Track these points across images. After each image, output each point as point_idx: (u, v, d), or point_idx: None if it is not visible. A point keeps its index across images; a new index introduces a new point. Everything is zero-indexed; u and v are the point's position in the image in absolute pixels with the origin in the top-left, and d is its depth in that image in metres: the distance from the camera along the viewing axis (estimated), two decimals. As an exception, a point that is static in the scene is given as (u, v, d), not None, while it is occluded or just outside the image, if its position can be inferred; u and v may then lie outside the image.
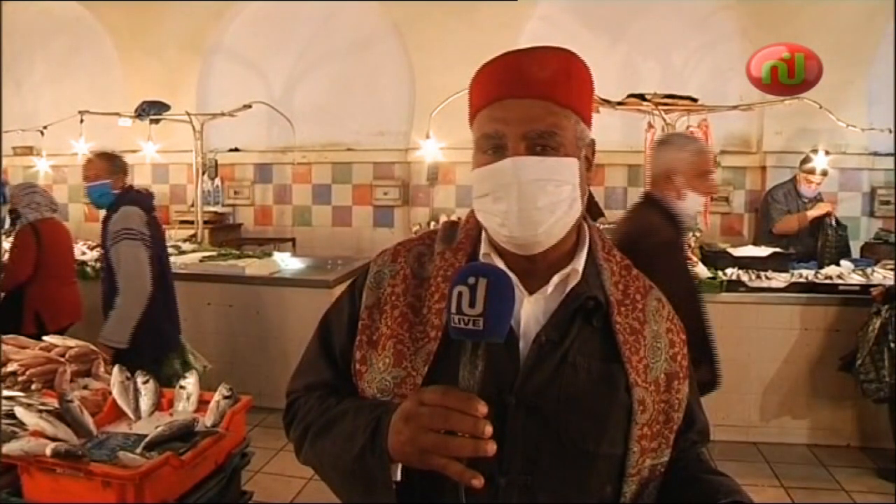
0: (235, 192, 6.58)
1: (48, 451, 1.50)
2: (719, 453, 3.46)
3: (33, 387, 2.01)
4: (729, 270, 4.10)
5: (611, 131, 5.34)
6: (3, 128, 4.45)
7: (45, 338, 2.32)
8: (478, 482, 0.77)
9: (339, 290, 3.64)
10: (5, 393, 1.90)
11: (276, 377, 3.93)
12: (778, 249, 4.36)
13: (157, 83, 6.11)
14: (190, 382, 1.89)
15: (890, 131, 4.60)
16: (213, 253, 4.98)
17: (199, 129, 5.67)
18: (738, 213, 5.75)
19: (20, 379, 2.02)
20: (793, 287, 4.00)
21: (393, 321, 0.98)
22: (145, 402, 1.84)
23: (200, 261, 4.71)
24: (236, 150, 6.53)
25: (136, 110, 5.37)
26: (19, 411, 1.70)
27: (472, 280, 0.80)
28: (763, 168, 5.59)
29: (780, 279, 4.02)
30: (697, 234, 4.58)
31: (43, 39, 6.81)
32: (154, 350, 3.16)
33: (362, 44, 6.20)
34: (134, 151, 5.87)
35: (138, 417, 1.81)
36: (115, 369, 1.89)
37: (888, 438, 3.56)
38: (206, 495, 1.66)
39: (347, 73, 6.25)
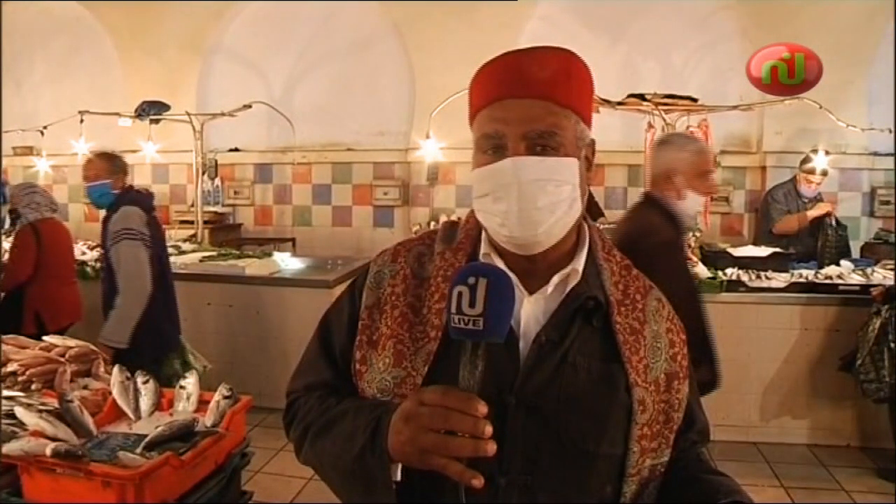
0: (235, 192, 6.58)
1: (48, 451, 1.50)
2: (719, 453, 3.46)
3: (33, 387, 2.01)
4: (729, 270, 4.10)
5: (611, 131, 5.34)
6: (3, 128, 4.45)
7: (45, 338, 2.32)
8: (478, 482, 0.77)
9: (339, 290, 3.64)
10: (5, 393, 1.90)
11: (276, 377, 3.93)
12: (778, 249, 4.36)
13: (157, 83, 6.11)
14: (190, 382, 1.89)
15: (890, 131, 4.61)
16: (213, 253, 4.98)
17: (199, 129, 5.67)
18: (738, 213, 5.75)
19: (20, 379, 2.02)
20: (793, 287, 4.00)
21: (393, 321, 0.98)
22: (145, 402, 1.84)
23: (200, 261, 4.71)
24: (236, 150, 6.53)
25: (136, 110, 5.37)
26: (19, 411, 1.70)
27: (472, 280, 0.80)
28: (763, 168, 5.59)
29: (780, 279, 4.03)
30: (697, 234, 4.58)
31: (43, 39, 6.81)
32: (154, 350, 3.16)
33: (362, 44, 6.20)
34: (134, 151, 5.87)
35: (138, 417, 1.81)
36: (115, 369, 1.89)
37: (888, 438, 3.56)
38: (206, 495, 1.66)
39: (347, 73, 6.25)
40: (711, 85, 5.37)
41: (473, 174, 0.97)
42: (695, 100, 4.61)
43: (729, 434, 3.88)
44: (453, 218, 4.93)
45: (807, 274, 4.12)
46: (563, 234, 0.97)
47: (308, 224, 6.49)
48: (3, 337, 2.23)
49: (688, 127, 4.68)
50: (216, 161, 6.22)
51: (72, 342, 2.26)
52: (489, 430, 0.77)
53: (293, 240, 6.34)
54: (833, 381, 3.84)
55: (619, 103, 4.51)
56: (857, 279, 4.06)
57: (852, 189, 5.50)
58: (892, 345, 3.43)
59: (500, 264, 0.96)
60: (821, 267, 4.31)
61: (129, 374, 1.88)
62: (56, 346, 2.22)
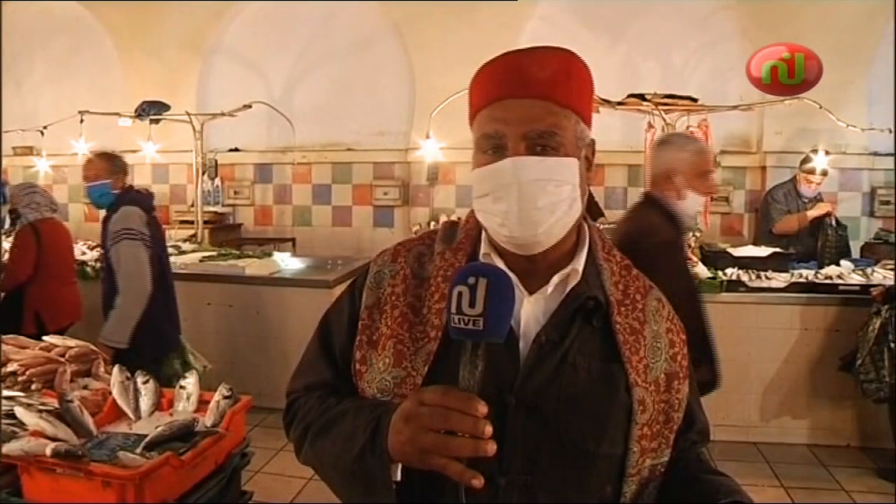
0: (235, 192, 6.58)
1: (48, 451, 1.50)
2: (719, 453, 3.46)
3: (33, 387, 2.01)
4: (729, 270, 4.10)
5: (611, 131, 5.34)
6: (3, 128, 4.45)
7: (45, 338, 2.32)
8: (478, 482, 0.77)
9: (339, 290, 3.64)
10: (5, 393, 1.90)
11: (276, 377, 3.93)
12: (778, 249, 4.36)
13: (157, 83, 6.11)
14: (190, 382, 1.89)
15: (890, 131, 4.61)
16: (213, 253, 4.98)
17: (199, 129, 5.67)
18: (738, 213, 5.75)
19: (20, 379, 2.02)
20: (793, 287, 4.00)
21: (393, 321, 0.98)
22: (145, 402, 1.84)
23: (200, 261, 4.71)
24: (236, 150, 6.53)
25: (136, 110, 5.37)
26: (19, 411, 1.70)
27: (472, 280, 0.80)
28: (763, 168, 5.59)
29: (780, 279, 4.03)
30: (697, 234, 4.58)
31: (43, 39, 6.81)
32: (154, 350, 3.16)
33: (362, 44, 6.20)
34: (134, 151, 5.87)
35: (138, 417, 1.81)
36: (115, 369, 1.89)
37: (888, 438, 3.56)
38: (206, 495, 1.66)
39: (347, 73, 6.25)
40: (711, 85, 5.37)
41: (473, 174, 0.97)
42: (695, 100, 4.61)
43: (729, 434, 3.88)
44: (453, 218, 4.93)
45: (807, 274, 4.12)
46: (563, 234, 0.97)
47: (308, 224, 6.49)
48: (3, 337, 2.23)
49: (688, 127, 4.68)
50: (216, 161, 6.22)
51: (72, 342, 2.26)
52: (489, 430, 0.77)
53: (293, 240, 6.34)
54: (833, 381, 3.84)
55: (619, 103, 4.51)
56: (857, 279, 4.06)
57: (852, 189, 5.50)
58: (892, 345, 3.43)
59: (500, 264, 0.96)
60: (821, 267, 4.31)
61: (129, 374, 1.88)
62: (56, 346, 2.22)
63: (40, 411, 1.70)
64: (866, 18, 5.18)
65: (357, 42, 6.21)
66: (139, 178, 6.52)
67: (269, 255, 5.04)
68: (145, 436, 1.64)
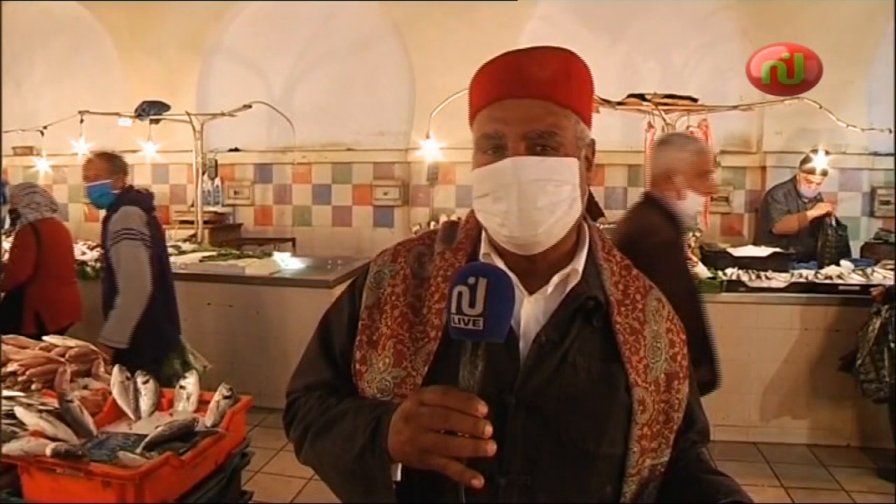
0: (235, 192, 6.58)
1: (48, 451, 1.49)
2: (719, 453, 3.46)
3: (33, 387, 2.01)
4: (729, 270, 4.10)
5: (611, 131, 5.34)
6: (3, 128, 4.45)
7: (45, 338, 2.32)
8: (478, 482, 0.77)
9: (339, 290, 3.64)
10: (5, 393, 1.90)
11: (277, 377, 3.93)
12: (778, 249, 4.36)
13: (157, 83, 6.11)
14: (190, 382, 1.89)
15: (890, 131, 4.61)
16: (213, 253, 4.98)
17: (199, 129, 5.67)
18: (738, 213, 5.75)
19: (20, 379, 2.02)
20: (793, 287, 4.00)
21: (393, 321, 0.98)
22: (145, 402, 1.84)
23: (200, 261, 4.71)
24: (236, 150, 6.53)
25: (135, 110, 5.37)
26: (19, 411, 1.70)
27: (472, 280, 0.80)
28: (763, 168, 5.59)
29: (780, 279, 4.03)
30: (697, 234, 4.58)
31: (43, 39, 6.81)
32: (154, 350, 3.16)
33: (362, 44, 6.20)
34: (134, 151, 5.87)
35: (138, 417, 1.81)
36: (115, 369, 1.89)
37: (888, 438, 3.56)
38: (206, 495, 1.66)
39: (347, 73, 6.25)
40: (711, 85, 5.37)
41: (473, 174, 0.97)
42: (695, 100, 4.61)
43: (729, 434, 3.88)
44: (453, 218, 4.93)
45: (807, 274, 4.12)
46: (563, 234, 0.97)
47: (308, 224, 6.49)
48: (3, 337, 2.23)
49: (688, 127, 4.68)
50: (216, 161, 6.22)
51: (72, 342, 2.26)
52: (489, 430, 0.77)
53: (293, 240, 6.34)
54: (833, 381, 3.84)
55: (619, 103, 4.52)
56: (857, 279, 4.06)
57: (852, 189, 5.50)
58: (892, 345, 3.43)
59: (500, 264, 0.96)
60: (821, 267, 4.31)
61: (129, 374, 1.88)
62: (56, 346, 2.22)
63: (40, 411, 1.70)
64: (866, 18, 5.19)
65: (357, 42, 6.21)
66: (139, 178, 6.52)
67: (269, 255, 5.04)
68: (145, 436, 1.64)
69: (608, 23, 5.71)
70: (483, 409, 0.77)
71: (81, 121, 5.31)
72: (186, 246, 5.32)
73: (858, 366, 3.54)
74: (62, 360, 2.12)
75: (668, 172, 2.44)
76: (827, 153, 4.72)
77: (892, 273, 4.01)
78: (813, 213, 4.64)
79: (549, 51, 0.95)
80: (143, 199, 3.33)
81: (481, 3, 5.55)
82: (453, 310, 0.80)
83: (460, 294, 0.80)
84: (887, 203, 5.42)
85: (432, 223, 5.72)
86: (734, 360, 3.53)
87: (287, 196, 6.54)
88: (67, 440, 1.58)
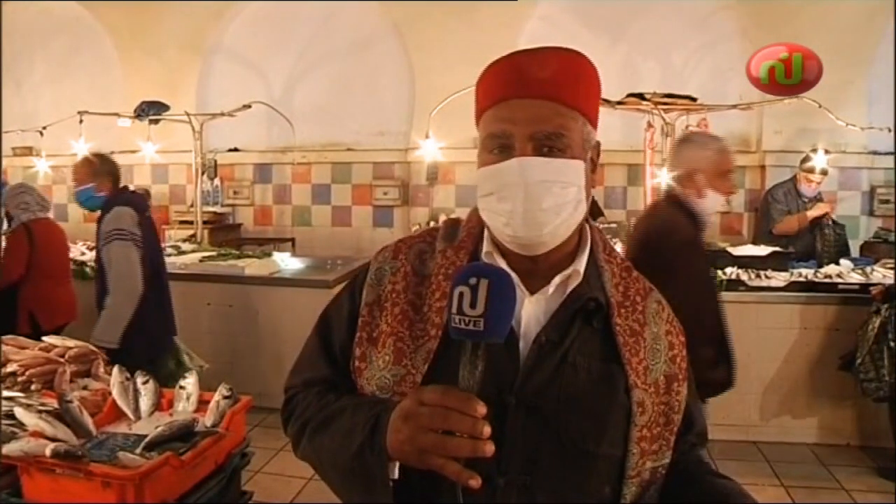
0: (235, 193, 6.58)
1: (48, 452, 1.49)
2: (719, 453, 3.46)
3: (33, 387, 2.01)
4: (728, 270, 4.10)
5: (610, 131, 5.33)
6: (2, 128, 4.45)
7: (44, 338, 2.32)
8: (475, 482, 0.77)
9: (338, 290, 3.64)
10: (5, 393, 1.90)
11: (276, 377, 3.88)
12: (777, 249, 4.36)
13: (157, 83, 6.11)
14: (190, 383, 1.89)
15: (889, 130, 4.61)
16: (213, 253, 4.98)
17: (198, 130, 5.66)
18: (738, 212, 5.75)
19: (20, 379, 2.02)
20: (792, 286, 4.00)
21: (393, 318, 0.98)
22: (145, 403, 1.84)
23: (200, 261, 4.71)
24: (236, 150, 6.53)
25: (135, 110, 5.37)
26: (19, 412, 1.70)
27: (473, 280, 0.80)
28: (762, 167, 5.59)
29: (779, 278, 4.02)
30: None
31: (43, 39, 6.81)
32: (147, 350, 3.14)
33: (362, 44, 6.20)
34: (133, 152, 5.87)
35: (138, 418, 1.81)
36: (115, 370, 1.89)
37: (888, 437, 3.56)
38: (206, 495, 1.66)
39: (347, 73, 6.25)
40: (711, 85, 5.37)
41: (479, 173, 0.96)
42: (694, 99, 4.61)
43: (729, 433, 3.87)
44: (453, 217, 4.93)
45: (806, 273, 4.12)
46: (568, 235, 0.96)
47: (308, 224, 6.49)
48: (3, 338, 2.23)
49: (687, 126, 4.68)
50: (216, 161, 6.22)
51: (71, 342, 2.26)
52: (488, 430, 0.77)
53: (293, 240, 6.34)
54: (833, 380, 3.84)
55: (619, 103, 4.51)
56: (856, 278, 4.06)
57: (852, 188, 5.51)
58: (892, 344, 3.43)
59: (502, 263, 0.96)
60: (820, 266, 4.31)
61: (128, 375, 1.88)
62: (55, 346, 2.22)
63: (40, 412, 1.70)
64: (866, 18, 5.19)
65: (357, 42, 6.21)
66: (139, 179, 6.54)
67: (269, 255, 5.04)
68: (145, 436, 1.64)
69: (608, 23, 5.71)
70: (482, 409, 0.77)
71: (81, 121, 5.30)
72: (186, 246, 5.32)
73: (858, 365, 3.54)
74: (62, 360, 2.12)
75: (689, 171, 2.43)
76: (827, 152, 4.71)
77: (892, 272, 4.01)
78: (813, 213, 4.64)
79: (557, 51, 0.94)
80: (136, 199, 3.33)
81: (481, 3, 5.55)
82: (454, 310, 0.80)
83: (461, 294, 0.80)
84: (887, 202, 5.43)
85: (432, 223, 5.71)
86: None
87: (287, 196, 6.54)
88: (67, 440, 1.58)
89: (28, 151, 6.48)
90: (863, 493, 3.40)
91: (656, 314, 1.02)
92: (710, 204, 2.45)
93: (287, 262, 4.87)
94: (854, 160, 5.38)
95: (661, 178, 4.56)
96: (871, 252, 4.79)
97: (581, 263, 0.99)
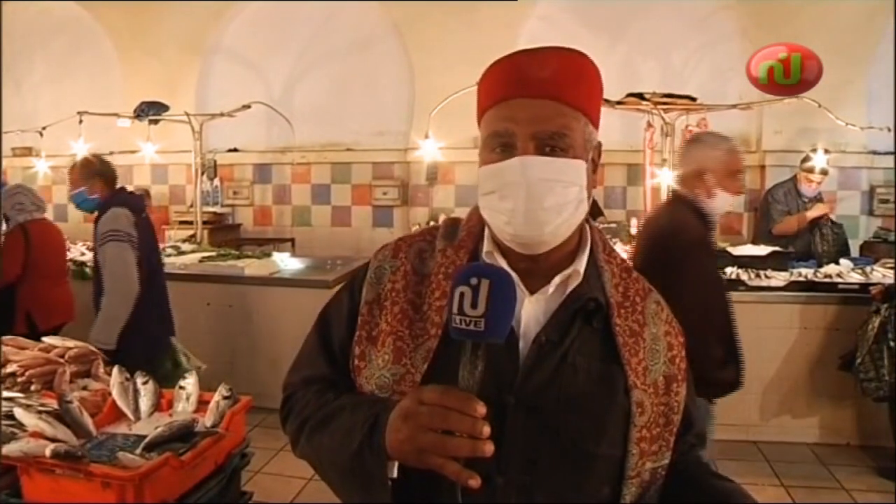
0: (235, 193, 6.58)
1: (48, 452, 1.49)
2: (719, 452, 3.45)
3: (33, 388, 2.01)
4: (728, 269, 4.10)
5: (610, 131, 5.29)
6: (2, 128, 4.45)
7: (44, 339, 2.31)
8: (475, 482, 0.77)
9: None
10: (5, 394, 1.90)
11: (276, 377, 3.88)
12: (777, 248, 4.36)
13: (157, 83, 6.11)
14: (189, 383, 1.89)
15: (889, 130, 4.61)
16: (213, 253, 4.98)
17: (198, 130, 5.66)
18: (738, 212, 5.75)
19: (20, 380, 2.01)
20: (792, 286, 4.00)
21: (393, 317, 0.98)
22: (145, 403, 1.83)
23: (200, 261, 4.71)
24: (235, 150, 6.53)
25: (134, 111, 5.37)
26: (19, 412, 1.70)
27: (474, 281, 0.80)
28: (762, 167, 5.60)
29: (779, 278, 4.02)
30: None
31: (43, 39, 6.81)
32: (144, 351, 3.14)
33: (362, 44, 6.20)
34: (133, 152, 5.88)
35: (138, 418, 1.81)
36: (115, 370, 1.89)
37: (888, 437, 3.56)
38: (206, 496, 1.66)
39: (347, 73, 6.25)
40: (711, 85, 5.37)
41: (481, 171, 0.96)
42: (693, 99, 4.61)
43: (729, 433, 3.86)
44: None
45: (806, 273, 4.12)
46: (569, 234, 0.96)
47: (307, 224, 6.50)
48: (3, 338, 2.23)
49: (686, 126, 4.68)
50: (215, 161, 6.23)
51: (71, 343, 2.26)
52: (487, 430, 0.77)
53: (292, 240, 6.34)
54: (833, 379, 3.84)
55: (619, 103, 4.52)
56: (856, 278, 4.06)
57: (851, 188, 5.51)
58: (892, 343, 3.43)
59: (503, 263, 0.96)
60: (819, 266, 4.31)
61: (128, 375, 1.88)
62: (55, 346, 2.21)
63: (40, 412, 1.69)
64: (866, 18, 5.19)
65: (357, 42, 6.21)
66: (139, 179, 6.54)
67: (269, 255, 5.04)
68: (145, 436, 1.64)
69: (608, 23, 5.71)
70: (482, 409, 0.77)
71: (80, 121, 5.31)
72: (186, 246, 5.32)
73: (858, 364, 3.54)
74: (61, 360, 2.12)
75: (699, 170, 2.42)
76: (826, 152, 4.71)
77: (892, 271, 4.02)
78: (812, 213, 4.65)
79: (560, 51, 0.95)
80: (133, 200, 3.34)
81: (481, 3, 5.56)
82: (455, 310, 0.80)
83: (462, 294, 0.80)
84: (886, 201, 5.43)
85: (431, 223, 5.71)
86: (734, 359, 3.53)
87: (286, 196, 6.54)
88: (67, 441, 1.58)
89: (28, 152, 6.48)
90: (863, 493, 3.40)
91: (655, 315, 1.02)
92: (720, 204, 2.45)
93: (287, 263, 4.88)
94: (854, 160, 5.39)
95: (661, 177, 4.59)
96: (871, 252, 4.79)
97: (581, 263, 0.99)
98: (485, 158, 0.95)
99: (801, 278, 4.05)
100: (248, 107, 5.49)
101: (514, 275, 0.91)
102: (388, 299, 0.99)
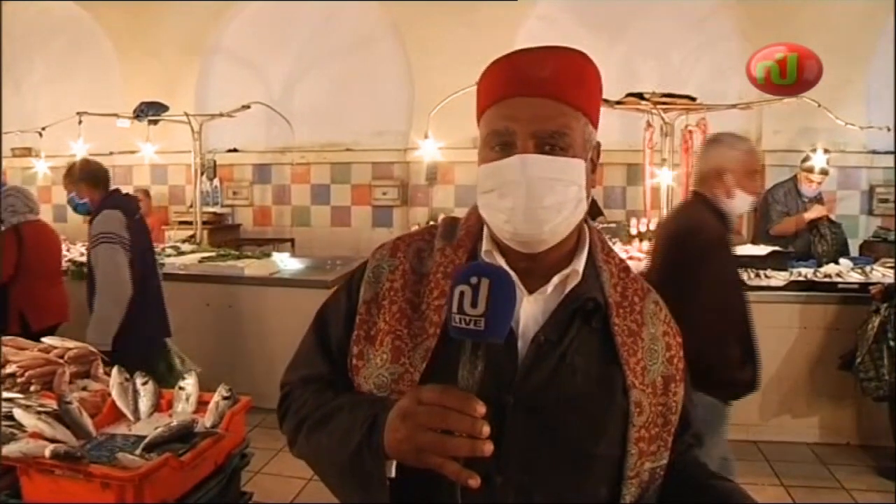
0: (234, 193, 6.59)
1: (47, 453, 1.49)
2: (719, 452, 3.46)
3: (32, 388, 2.00)
4: (728, 269, 4.09)
5: (609, 131, 5.29)
6: (2, 129, 4.44)
7: (43, 339, 2.31)
8: (474, 482, 0.76)
9: (338, 290, 3.64)
10: (4, 395, 1.90)
11: (276, 378, 3.87)
12: (777, 248, 4.36)
13: (157, 84, 6.11)
14: (189, 384, 1.89)
15: (889, 129, 4.61)
16: (213, 253, 4.98)
17: (197, 130, 5.67)
18: (738, 212, 5.74)
19: (19, 381, 2.01)
20: (792, 286, 4.00)
21: (391, 317, 0.98)
22: (144, 404, 1.83)
23: (200, 261, 4.71)
24: (235, 150, 6.53)
25: (134, 111, 5.37)
26: (18, 413, 1.70)
27: (474, 280, 0.80)
28: (762, 167, 5.58)
29: (779, 278, 4.02)
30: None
31: (43, 39, 6.82)
32: (138, 353, 3.13)
33: (362, 44, 6.21)
34: (132, 152, 5.88)
35: (137, 419, 1.81)
36: (114, 371, 1.89)
37: (888, 436, 3.56)
38: (205, 496, 1.66)
39: (347, 73, 6.25)
40: (711, 85, 5.38)
41: (480, 170, 0.96)
42: (693, 99, 4.61)
43: (729, 433, 3.87)
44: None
45: (806, 272, 4.12)
46: (567, 233, 0.96)
47: (307, 224, 6.50)
48: (3, 339, 2.23)
49: (686, 126, 4.68)
50: (215, 162, 6.23)
51: (71, 343, 2.26)
52: (486, 430, 0.77)
53: (292, 240, 6.34)
54: (833, 379, 3.84)
55: (618, 102, 4.52)
56: (856, 277, 4.06)
57: (851, 187, 5.51)
58: (892, 343, 3.43)
59: (502, 262, 0.96)
60: (819, 265, 4.31)
61: (128, 376, 1.88)
62: (55, 347, 2.21)
63: (39, 413, 1.69)
64: (865, 18, 5.19)
65: (357, 42, 6.22)
66: (138, 179, 6.54)
67: (268, 255, 5.05)
68: (144, 437, 1.64)
69: (607, 22, 5.71)
70: (481, 409, 0.77)
71: (80, 122, 5.31)
72: (185, 246, 5.32)
73: (858, 364, 3.54)
74: (61, 361, 2.11)
75: (718, 171, 2.42)
76: (826, 152, 4.71)
77: (891, 271, 4.02)
78: (810, 215, 4.64)
79: (560, 51, 0.95)
80: (125, 202, 3.35)
81: (481, 3, 5.56)
82: (454, 309, 0.79)
83: (462, 293, 0.79)
84: (886, 201, 5.44)
85: (431, 223, 5.71)
86: (734, 359, 3.53)
87: (286, 196, 6.54)
88: (66, 442, 1.58)
89: (27, 152, 6.48)
90: (863, 493, 3.39)
91: (654, 315, 1.02)
92: (739, 204, 2.45)
93: (286, 263, 4.88)
94: (853, 159, 5.39)
95: (661, 177, 4.59)
96: (871, 251, 4.79)
97: (580, 263, 0.99)
98: (484, 157, 0.95)
99: (801, 278, 4.06)
100: (248, 107, 5.50)
101: (512, 274, 0.91)
102: (386, 298, 0.99)
